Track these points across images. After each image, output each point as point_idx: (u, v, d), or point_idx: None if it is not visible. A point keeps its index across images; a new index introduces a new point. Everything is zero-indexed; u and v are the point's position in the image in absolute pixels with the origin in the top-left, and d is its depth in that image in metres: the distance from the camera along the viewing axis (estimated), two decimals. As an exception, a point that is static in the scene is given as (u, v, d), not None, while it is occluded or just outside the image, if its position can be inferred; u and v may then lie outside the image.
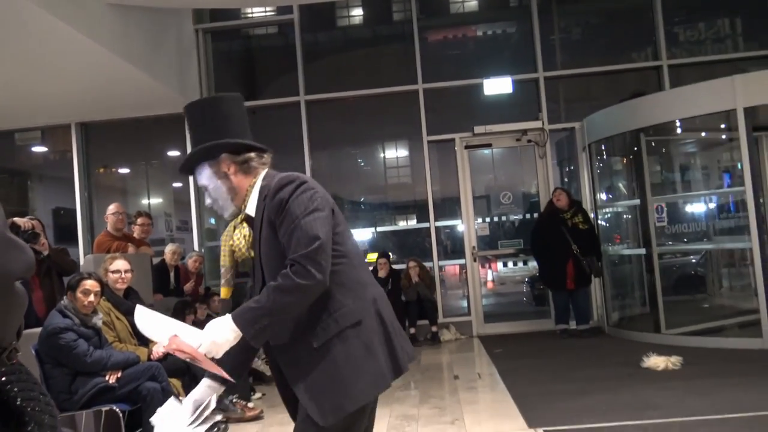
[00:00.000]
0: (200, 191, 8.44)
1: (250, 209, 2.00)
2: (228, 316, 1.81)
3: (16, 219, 4.93)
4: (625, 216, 8.09)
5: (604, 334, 7.40)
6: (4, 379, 1.00)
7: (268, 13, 9.10)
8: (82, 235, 8.37)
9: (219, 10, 8.68)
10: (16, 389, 1.01)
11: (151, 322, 1.91)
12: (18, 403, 1.00)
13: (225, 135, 1.99)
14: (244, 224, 2.01)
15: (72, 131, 8.39)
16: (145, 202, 11.44)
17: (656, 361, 5.42)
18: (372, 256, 8.28)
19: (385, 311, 2.00)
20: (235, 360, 1.95)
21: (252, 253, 2.00)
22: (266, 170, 2.04)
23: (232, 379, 1.94)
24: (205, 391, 1.99)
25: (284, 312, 1.83)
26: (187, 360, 1.88)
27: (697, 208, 7.78)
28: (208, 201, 2.06)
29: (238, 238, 2.00)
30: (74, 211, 8.56)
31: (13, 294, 0.86)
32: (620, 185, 8.08)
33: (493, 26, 9.72)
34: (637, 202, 7.25)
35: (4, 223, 0.85)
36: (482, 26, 9.76)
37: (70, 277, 3.99)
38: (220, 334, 1.79)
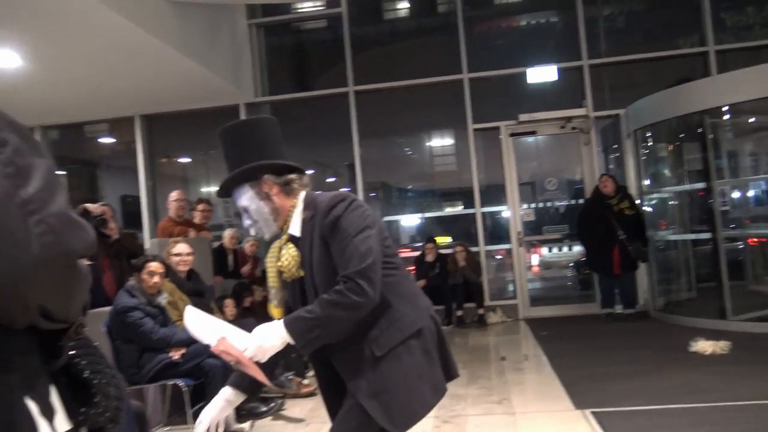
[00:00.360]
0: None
1: (294, 229, 1.97)
2: (278, 322, 1.79)
3: (88, 205, 5.10)
4: (671, 202, 7.85)
5: (651, 319, 7.21)
6: (73, 352, 1.01)
7: (317, 8, 9.11)
8: (147, 221, 8.58)
9: (271, 6, 8.73)
10: (84, 362, 1.03)
11: (200, 322, 1.90)
12: (85, 375, 1.02)
13: (263, 157, 1.94)
14: (290, 244, 1.97)
15: (136, 123, 8.57)
16: (205, 189, 11.68)
17: (704, 346, 5.26)
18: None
19: (436, 317, 2.01)
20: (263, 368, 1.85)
21: (302, 273, 1.96)
22: (305, 191, 2.00)
23: (269, 384, 1.93)
24: (224, 407, 1.94)
25: (335, 326, 1.80)
26: (232, 363, 1.85)
27: (749, 192, 7.51)
28: (247, 222, 2.00)
29: (285, 258, 1.95)
30: (139, 198, 8.78)
31: (76, 272, 0.86)
32: (666, 171, 7.84)
33: (537, 15, 9.51)
34: (686, 187, 7.02)
35: (67, 204, 0.86)
36: (526, 16, 9.57)
37: (136, 260, 4.09)
38: (268, 340, 1.77)
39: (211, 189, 11.69)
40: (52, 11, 5.09)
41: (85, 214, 5.02)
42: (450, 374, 1.99)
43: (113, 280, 5.06)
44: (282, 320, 1.80)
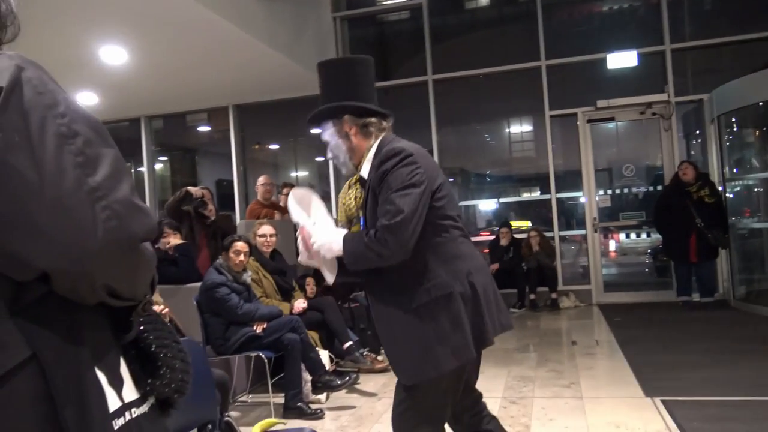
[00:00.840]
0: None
1: (364, 171, 2.00)
2: (343, 235, 1.89)
3: (190, 188, 5.32)
4: (756, 189, 7.32)
5: (730, 308, 6.79)
6: (142, 327, 1.04)
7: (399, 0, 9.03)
8: (238, 203, 8.87)
9: (355, -1, 8.76)
10: (151, 337, 1.05)
11: (302, 202, 1.99)
12: (152, 349, 1.04)
13: (351, 97, 1.99)
14: (357, 185, 2.02)
15: (229, 112, 8.85)
16: (293, 174, 11.94)
17: (785, 337, 4.91)
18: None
19: (479, 283, 1.91)
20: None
21: (360, 213, 2.00)
22: (383, 135, 2.02)
23: (330, 282, 2.04)
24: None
25: (364, 265, 1.86)
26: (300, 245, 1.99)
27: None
28: (329, 155, 2.08)
29: (349, 197, 2.02)
30: (232, 182, 9.08)
31: (139, 254, 0.89)
32: (751, 158, 7.31)
33: (619, 0, 9.05)
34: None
35: (131, 191, 0.90)
36: (608, 1, 9.13)
37: (224, 240, 4.23)
38: (333, 244, 1.89)
39: (299, 174, 11.96)
40: (154, 10, 5.31)
41: (187, 196, 5.26)
42: (483, 341, 1.91)
43: (209, 258, 5.24)
44: (344, 235, 1.89)
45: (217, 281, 3.91)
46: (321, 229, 1.93)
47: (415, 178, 1.83)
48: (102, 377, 0.92)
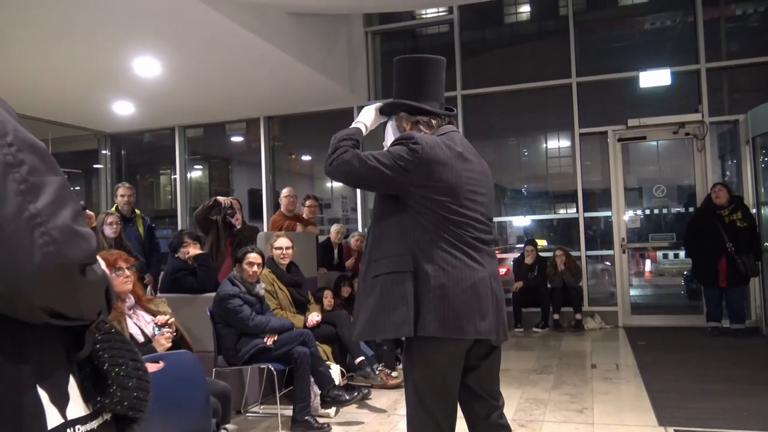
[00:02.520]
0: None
1: None
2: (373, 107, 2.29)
3: (219, 197, 5.44)
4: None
5: (762, 336, 6.55)
6: (97, 345, 1.08)
7: (439, 13, 9.03)
8: (266, 213, 8.98)
9: (389, 13, 8.79)
10: (106, 355, 1.08)
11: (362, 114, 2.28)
12: (105, 367, 1.07)
13: (415, 94, 2.16)
14: None
15: (260, 124, 8.99)
16: (328, 185, 12.04)
17: (815, 370, 4.71)
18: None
19: (446, 284, 1.98)
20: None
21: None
22: (435, 133, 2.16)
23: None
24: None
25: (332, 147, 2.09)
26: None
27: None
28: (386, 144, 2.22)
29: None
30: (262, 192, 9.21)
31: (77, 277, 0.92)
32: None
33: (655, 17, 8.89)
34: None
35: (73, 217, 0.93)
36: (645, 18, 8.98)
37: (238, 252, 4.29)
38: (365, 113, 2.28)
39: (333, 186, 12.04)
40: (186, 25, 5.46)
41: (216, 205, 5.37)
42: (446, 330, 1.97)
43: (231, 267, 5.32)
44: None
45: (230, 292, 3.97)
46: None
47: (391, 161, 1.99)
48: (44, 395, 0.94)
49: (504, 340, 2.12)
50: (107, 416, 1.07)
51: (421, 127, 2.16)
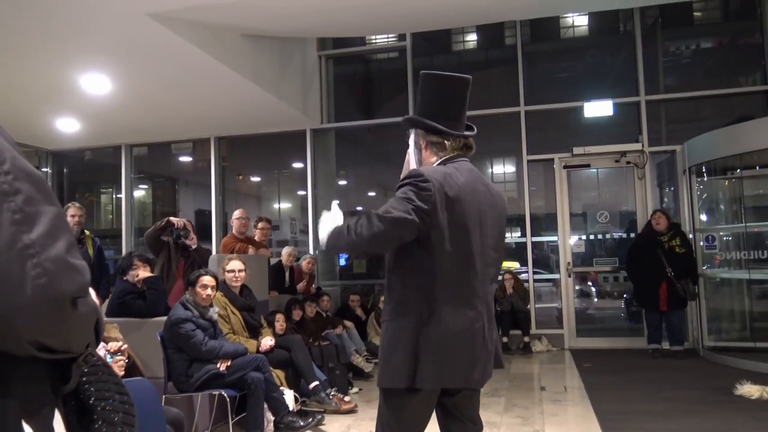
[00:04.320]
0: (317, 199, 8.69)
1: None
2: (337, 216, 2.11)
3: (172, 218, 5.31)
4: (726, 238, 7.43)
5: (699, 357, 6.83)
6: (84, 379, 1.05)
7: (389, 40, 9.17)
8: (215, 235, 8.82)
9: (342, 37, 8.88)
10: (92, 389, 1.05)
11: (329, 217, 2.11)
12: (91, 401, 1.05)
13: (429, 112, 2.13)
14: None
15: (211, 144, 8.86)
16: (275, 206, 11.94)
17: (750, 390, 4.92)
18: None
19: (438, 331, 1.97)
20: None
21: None
22: (448, 155, 2.15)
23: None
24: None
25: (336, 240, 2.03)
26: None
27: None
28: (408, 158, 2.23)
29: None
30: (211, 212, 9.04)
31: (69, 311, 0.90)
32: (722, 208, 7.44)
33: (598, 51, 9.31)
34: (742, 225, 6.63)
35: (67, 249, 0.90)
36: (588, 51, 9.39)
37: (190, 274, 4.19)
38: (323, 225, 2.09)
39: (282, 206, 11.95)
40: (139, 43, 5.37)
41: (168, 225, 5.25)
42: (413, 381, 1.97)
43: (183, 289, 5.17)
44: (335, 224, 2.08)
45: (182, 317, 3.87)
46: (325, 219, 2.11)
47: (401, 205, 1.92)
48: (28, 430, 0.91)
49: (488, 379, 2.15)
50: None
51: (434, 148, 2.15)
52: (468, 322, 2.01)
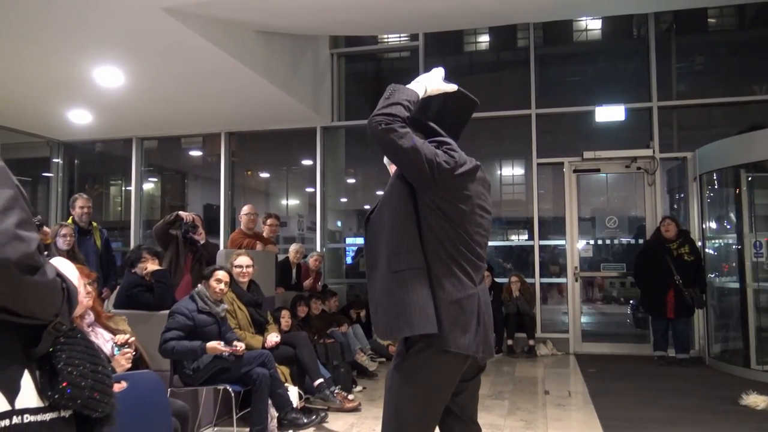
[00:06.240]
0: (324, 196, 8.70)
1: None
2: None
3: (181, 213, 5.35)
4: (734, 246, 7.37)
5: (705, 366, 6.80)
6: (58, 347, 1.17)
7: (401, 39, 9.17)
8: (224, 230, 8.85)
9: (354, 36, 8.88)
10: (63, 356, 1.16)
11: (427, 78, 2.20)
12: (59, 365, 1.15)
13: (442, 127, 2.23)
14: None
15: (221, 139, 8.89)
16: (283, 202, 11.96)
17: (756, 400, 4.91)
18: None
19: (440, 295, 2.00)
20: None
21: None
22: None
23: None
24: None
25: (384, 103, 2.08)
26: None
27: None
28: None
29: None
30: (219, 207, 9.07)
31: (17, 276, 1.03)
32: (731, 217, 7.39)
33: (611, 55, 9.28)
34: (752, 235, 6.57)
35: (17, 223, 1.05)
36: (601, 55, 9.36)
37: (207, 269, 4.21)
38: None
39: (289, 203, 11.97)
40: (153, 37, 5.39)
41: (177, 220, 5.29)
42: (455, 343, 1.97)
43: (191, 284, 5.21)
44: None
45: (180, 309, 3.87)
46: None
47: (437, 155, 2.01)
48: None
49: (488, 357, 2.15)
50: (66, 413, 1.16)
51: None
52: (459, 288, 2.04)
